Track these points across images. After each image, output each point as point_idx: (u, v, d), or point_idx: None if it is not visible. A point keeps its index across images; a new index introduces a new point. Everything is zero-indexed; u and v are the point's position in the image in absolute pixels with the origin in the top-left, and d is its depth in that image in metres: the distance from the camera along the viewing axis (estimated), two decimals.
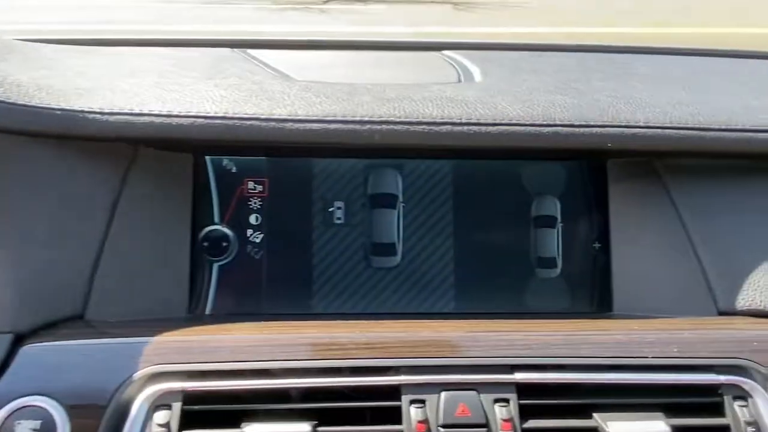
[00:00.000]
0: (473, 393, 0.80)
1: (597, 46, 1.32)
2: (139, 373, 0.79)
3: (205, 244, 0.99)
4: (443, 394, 0.80)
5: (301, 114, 0.91)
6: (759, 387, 0.82)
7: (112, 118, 0.89)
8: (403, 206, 1.01)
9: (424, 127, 0.91)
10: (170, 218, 0.96)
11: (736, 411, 0.81)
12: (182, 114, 0.89)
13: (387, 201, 1.02)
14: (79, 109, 0.89)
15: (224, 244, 0.99)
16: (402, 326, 0.87)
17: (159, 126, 0.89)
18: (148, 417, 0.77)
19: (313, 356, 0.82)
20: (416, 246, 1.01)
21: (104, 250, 0.91)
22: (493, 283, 1.01)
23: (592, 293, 1.02)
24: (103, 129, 0.88)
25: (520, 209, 1.03)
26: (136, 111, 0.89)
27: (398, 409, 0.80)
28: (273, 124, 0.90)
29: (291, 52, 1.24)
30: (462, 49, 1.26)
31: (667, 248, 0.98)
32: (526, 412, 0.80)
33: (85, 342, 0.82)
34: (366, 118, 0.91)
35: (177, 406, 0.78)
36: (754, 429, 0.80)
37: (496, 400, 0.80)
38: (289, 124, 0.90)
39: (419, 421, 0.78)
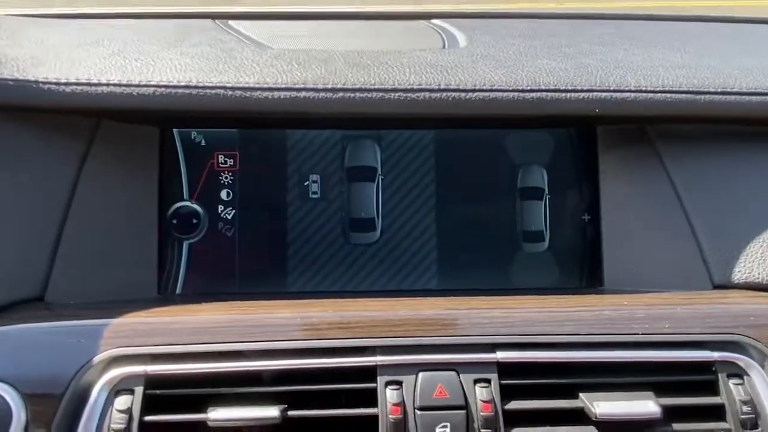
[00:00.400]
0: (452, 373, 0.76)
1: (592, 14, 1.26)
2: (99, 356, 0.75)
3: (174, 221, 0.94)
4: (420, 375, 0.76)
5: (270, 82, 0.86)
6: (755, 364, 0.78)
7: (68, 89, 0.84)
8: (383, 179, 0.97)
9: (399, 94, 0.86)
10: (136, 195, 0.91)
11: (731, 389, 0.77)
12: (143, 83, 0.84)
13: (365, 174, 0.97)
14: (34, 79, 0.84)
15: (194, 221, 0.94)
16: (378, 305, 0.83)
17: (119, 96, 0.84)
18: (109, 402, 0.74)
19: (284, 337, 0.77)
20: (396, 221, 0.97)
21: (65, 229, 0.87)
22: (477, 259, 0.96)
23: (582, 267, 0.97)
24: (59, 100, 0.83)
25: (505, 181, 0.98)
26: (95, 81, 0.84)
27: (373, 391, 0.75)
28: (240, 93, 0.85)
29: (272, 23, 1.19)
30: (452, 17, 1.20)
31: (660, 219, 0.93)
32: (507, 393, 0.76)
33: (43, 325, 0.78)
34: (338, 86, 0.86)
35: (139, 390, 0.74)
36: (749, 408, 0.76)
37: (477, 381, 0.76)
38: (257, 93, 0.85)
39: (394, 404, 0.74)
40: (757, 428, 0.76)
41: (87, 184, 0.88)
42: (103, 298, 0.87)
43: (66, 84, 0.84)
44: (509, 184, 0.98)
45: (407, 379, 0.76)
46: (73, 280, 0.86)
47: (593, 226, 0.96)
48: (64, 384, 0.74)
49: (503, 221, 0.97)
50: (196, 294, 0.93)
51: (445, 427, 0.73)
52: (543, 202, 0.97)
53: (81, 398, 0.74)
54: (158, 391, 0.74)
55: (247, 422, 0.73)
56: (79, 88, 0.83)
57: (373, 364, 0.76)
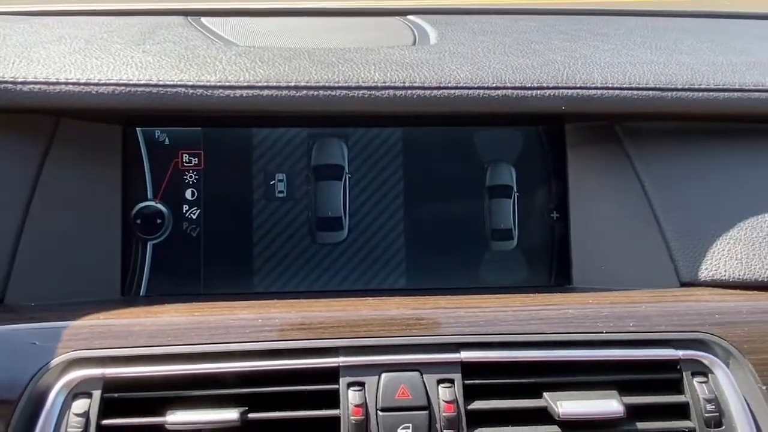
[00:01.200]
0: (415, 374, 0.75)
1: (567, 10, 1.26)
2: (56, 359, 0.74)
3: (138, 221, 0.93)
4: (383, 376, 0.75)
5: (232, 80, 0.84)
6: (720, 362, 0.78)
7: (26, 88, 0.82)
8: (350, 178, 0.96)
9: (363, 92, 0.85)
10: (99, 195, 0.90)
11: (696, 387, 0.76)
12: (102, 82, 0.83)
13: (332, 172, 0.96)
14: None
15: (158, 221, 0.93)
16: (342, 305, 0.82)
17: (78, 95, 0.82)
18: (66, 406, 0.72)
19: (245, 338, 0.76)
20: (364, 220, 0.96)
21: (25, 229, 0.85)
22: (445, 258, 0.96)
23: (551, 266, 0.96)
24: (16, 99, 0.82)
25: (473, 179, 0.97)
26: (53, 80, 0.83)
27: (335, 392, 0.75)
28: (201, 91, 0.84)
29: (243, 19, 1.17)
30: (428, 14, 1.19)
31: (628, 217, 0.92)
32: (471, 393, 0.75)
33: (0, 328, 0.77)
34: (301, 83, 0.85)
35: (97, 394, 0.73)
36: (713, 406, 0.76)
37: (440, 381, 0.75)
38: (218, 92, 0.84)
39: (356, 405, 0.73)
40: (721, 426, 0.75)
41: (47, 184, 0.87)
42: (65, 300, 0.86)
43: (23, 83, 0.82)
44: (478, 182, 0.97)
45: (369, 380, 0.75)
46: (34, 281, 0.85)
47: (562, 224, 0.96)
48: (20, 387, 0.72)
49: (472, 219, 0.96)
50: (161, 295, 0.92)
51: (407, 428, 0.73)
52: (511, 200, 0.97)
53: (38, 402, 0.72)
54: (116, 395, 0.73)
55: (206, 425, 0.72)
56: (37, 87, 0.82)
57: (336, 365, 0.76)
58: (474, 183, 0.97)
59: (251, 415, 0.73)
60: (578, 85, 0.88)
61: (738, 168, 0.93)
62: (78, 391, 0.73)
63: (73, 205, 0.88)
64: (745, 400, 0.76)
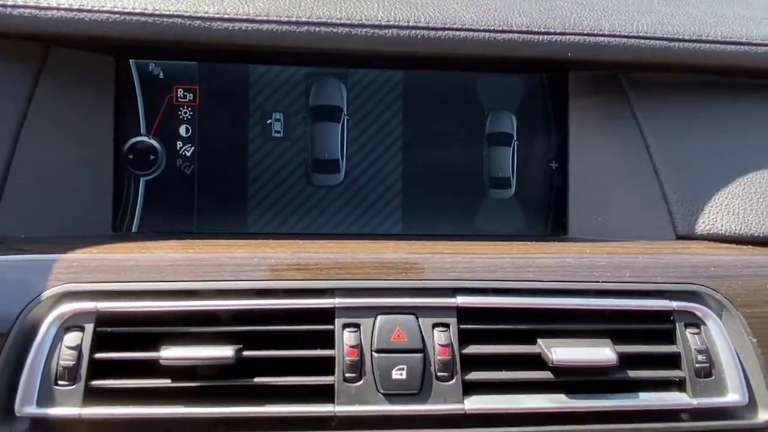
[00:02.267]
0: (411, 317, 0.75)
1: None
2: (48, 292, 0.72)
3: (131, 156, 0.91)
4: (379, 318, 0.75)
5: (231, 12, 0.81)
6: (713, 314, 0.78)
7: (15, 12, 0.79)
8: (348, 120, 0.94)
9: (366, 30, 0.83)
10: (90, 128, 0.88)
11: (688, 338, 0.77)
12: (96, 8, 0.80)
13: (330, 114, 0.94)
14: None
15: (151, 157, 0.91)
16: (338, 247, 0.81)
17: (69, 22, 0.79)
18: (58, 339, 0.71)
19: (241, 277, 0.76)
20: (361, 163, 0.94)
21: (13, 161, 0.83)
22: (443, 204, 0.95)
23: (547, 216, 0.96)
24: (3, 24, 0.79)
25: (473, 125, 0.96)
26: (44, 4, 0.79)
27: (331, 333, 0.74)
28: (198, 22, 0.81)
29: None
30: None
31: (628, 169, 0.92)
32: (466, 338, 0.75)
33: None
34: (303, 19, 0.82)
35: (89, 327, 0.72)
36: (704, 357, 0.76)
37: (435, 325, 0.75)
38: (216, 24, 0.81)
39: (351, 346, 0.73)
40: (710, 377, 0.76)
41: (36, 115, 0.84)
42: (55, 233, 0.84)
43: (12, 6, 0.79)
44: (478, 129, 0.96)
45: (365, 322, 0.75)
46: (23, 215, 0.83)
47: (560, 174, 0.95)
48: (11, 319, 0.71)
49: (470, 167, 0.95)
50: (153, 232, 0.90)
51: (402, 369, 0.73)
52: (511, 149, 0.96)
53: (29, 334, 0.71)
54: (109, 329, 0.72)
55: (200, 362, 0.71)
56: (27, 11, 0.79)
57: (331, 306, 0.75)
58: (474, 130, 0.96)
59: (246, 353, 0.72)
60: (585, 32, 0.86)
61: (740, 124, 0.92)
62: (70, 324, 0.72)
63: (63, 138, 0.86)
64: (736, 353, 0.77)
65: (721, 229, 0.87)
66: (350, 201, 0.94)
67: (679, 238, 0.89)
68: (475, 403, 0.73)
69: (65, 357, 0.70)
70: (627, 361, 0.76)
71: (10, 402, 0.69)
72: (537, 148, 0.96)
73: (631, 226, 0.91)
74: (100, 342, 0.72)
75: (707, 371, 0.76)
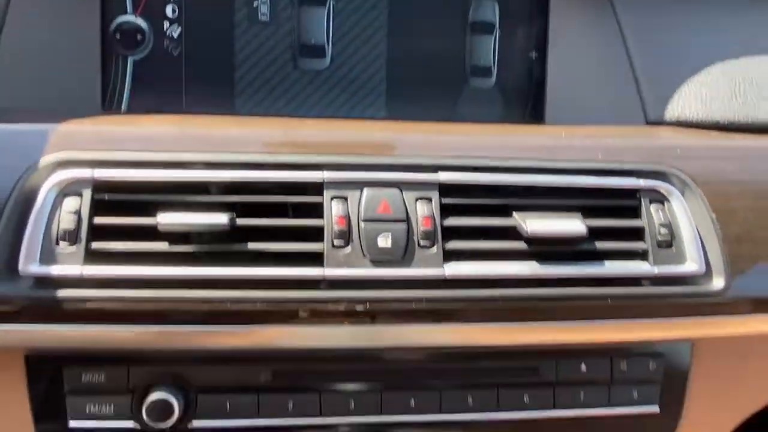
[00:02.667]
0: (395, 190, 0.79)
1: None
2: (45, 159, 0.75)
3: (118, 36, 0.91)
4: (365, 191, 0.79)
5: None
6: (676, 191, 0.84)
7: None
8: (334, 4, 0.95)
9: None
10: (76, 5, 0.87)
11: (652, 213, 0.83)
12: None
13: None
14: None
15: (139, 37, 0.92)
16: (326, 126, 0.84)
17: None
18: (57, 204, 0.74)
19: (233, 150, 0.78)
20: (347, 48, 0.96)
21: (1, 36, 0.83)
22: (426, 91, 0.98)
23: (526, 104, 1.00)
24: None
25: (457, 13, 0.97)
26: None
27: (319, 205, 0.78)
28: None
29: None
30: None
31: (603, 57, 0.95)
32: (447, 211, 0.80)
33: None
34: None
35: (87, 193, 0.74)
36: (666, 230, 0.82)
37: (418, 198, 0.79)
38: None
39: (340, 216, 0.77)
40: (671, 248, 0.82)
41: None
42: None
43: None
44: (461, 17, 0.98)
45: (352, 194, 0.78)
46: (11, 93, 0.84)
47: (540, 63, 0.98)
48: (9, 186, 0.73)
49: (453, 54, 0.98)
50: (143, 112, 0.92)
51: (387, 236, 0.77)
52: (493, 38, 0.98)
53: (28, 200, 0.73)
54: (106, 196, 0.75)
55: (196, 227, 0.75)
56: None
57: (320, 179, 0.79)
58: (457, 18, 0.98)
59: (240, 221, 0.76)
60: None
61: (713, 17, 0.96)
62: (68, 191, 0.74)
63: (50, 17, 0.86)
64: (696, 227, 0.83)
65: (689, 116, 0.92)
66: (336, 86, 0.96)
67: (649, 123, 0.93)
68: (454, 269, 0.78)
69: (65, 220, 0.73)
70: (596, 233, 0.81)
71: (13, 261, 0.72)
72: (518, 38, 0.99)
73: (605, 113, 0.95)
74: (98, 208, 0.75)
75: (668, 243, 0.82)
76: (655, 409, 0.88)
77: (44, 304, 0.71)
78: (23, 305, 0.71)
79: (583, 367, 0.85)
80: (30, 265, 0.72)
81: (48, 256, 0.72)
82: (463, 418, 0.84)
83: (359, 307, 0.76)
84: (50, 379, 0.77)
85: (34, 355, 0.76)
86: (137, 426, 0.78)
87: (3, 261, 0.71)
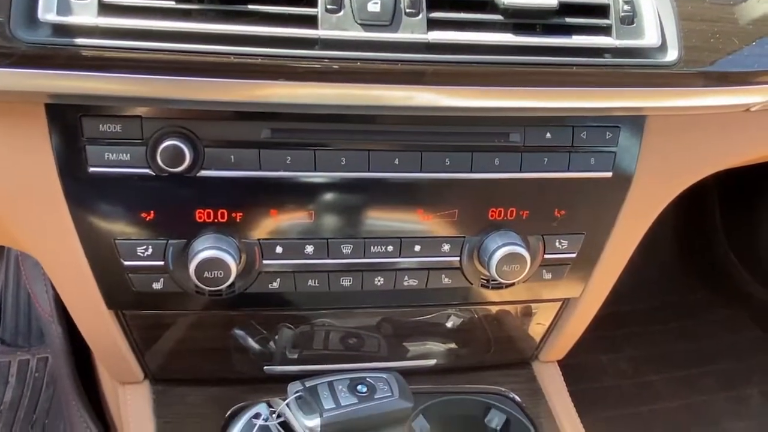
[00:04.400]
0: None
1: None
2: None
3: None
4: None
5: None
6: None
7: None
8: None
9: None
10: None
11: None
12: None
13: None
14: None
15: None
16: None
17: None
18: None
19: None
20: None
21: None
22: None
23: None
24: None
25: None
26: None
27: None
28: None
29: None
30: None
31: None
32: None
33: None
34: None
35: None
36: (629, 7, 0.90)
37: None
38: None
39: None
40: (633, 24, 0.91)
41: None
42: None
43: None
44: None
45: None
46: None
47: None
48: None
49: None
50: None
51: (377, 3, 0.83)
52: None
53: None
54: None
55: None
56: None
57: None
58: None
59: None
60: None
61: None
62: None
63: None
64: (656, 6, 0.91)
65: None
66: None
67: None
68: (437, 36, 0.86)
69: None
70: (565, 10, 0.89)
71: (33, 10, 0.77)
72: None
73: None
74: None
75: (630, 20, 0.91)
76: (608, 174, 1.00)
77: (62, 50, 0.78)
78: (43, 52, 0.77)
79: (548, 134, 0.96)
80: (47, 14, 0.77)
81: (64, 7, 0.78)
82: (441, 177, 0.95)
83: (351, 66, 0.84)
84: (70, 129, 0.85)
85: (53, 105, 0.83)
86: (151, 172, 0.87)
87: (23, 9, 0.77)
